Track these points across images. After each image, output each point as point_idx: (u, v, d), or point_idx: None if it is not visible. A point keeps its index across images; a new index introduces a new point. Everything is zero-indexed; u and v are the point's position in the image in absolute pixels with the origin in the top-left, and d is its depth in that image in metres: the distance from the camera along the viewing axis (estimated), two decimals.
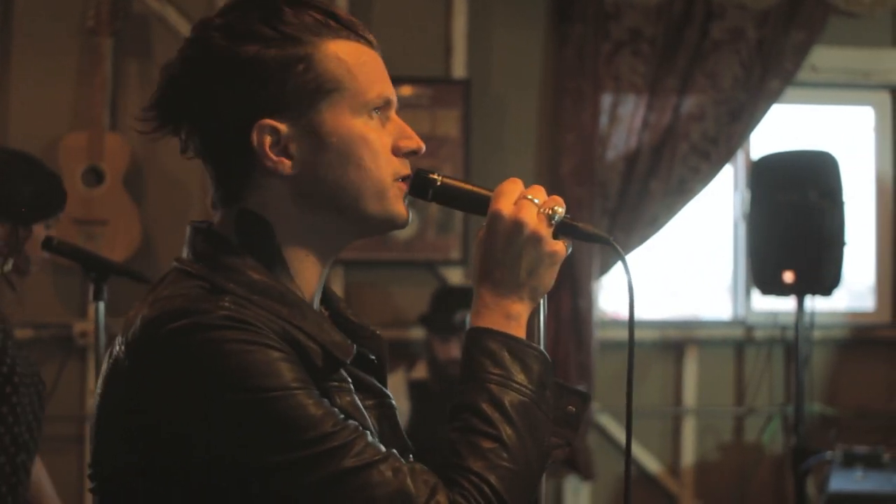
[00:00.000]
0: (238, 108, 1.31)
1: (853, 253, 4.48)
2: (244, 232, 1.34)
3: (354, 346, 1.34)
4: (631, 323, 1.36)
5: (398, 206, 1.37)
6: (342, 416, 1.25)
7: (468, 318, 1.37)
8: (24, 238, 2.48)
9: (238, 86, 1.30)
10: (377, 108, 1.35)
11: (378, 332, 1.47)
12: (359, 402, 1.33)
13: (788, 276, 4.21)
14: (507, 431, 1.28)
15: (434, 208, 4.33)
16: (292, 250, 1.36)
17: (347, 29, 1.35)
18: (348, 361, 1.32)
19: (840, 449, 3.95)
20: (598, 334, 4.45)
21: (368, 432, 1.26)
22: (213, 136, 1.34)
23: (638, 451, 4.59)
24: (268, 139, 1.31)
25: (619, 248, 1.37)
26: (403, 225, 1.39)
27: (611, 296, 4.66)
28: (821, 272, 4.20)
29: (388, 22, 4.45)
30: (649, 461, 4.63)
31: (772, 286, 4.30)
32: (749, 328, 4.70)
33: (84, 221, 4.09)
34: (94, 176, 4.14)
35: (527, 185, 1.37)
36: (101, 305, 2.64)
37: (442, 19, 4.48)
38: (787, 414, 4.64)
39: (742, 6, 4.47)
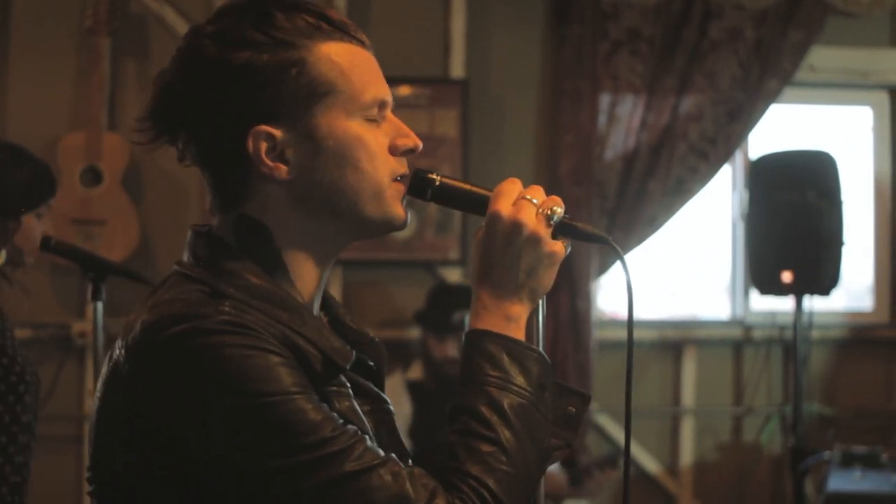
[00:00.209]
0: (233, 115, 1.30)
1: (851, 253, 4.48)
2: (243, 237, 1.34)
3: (353, 352, 1.34)
4: (630, 323, 1.36)
5: (396, 207, 1.37)
6: (341, 420, 1.25)
7: (466, 319, 1.37)
8: (13, 229, 2.47)
9: (232, 93, 1.30)
10: (372, 109, 1.35)
11: (377, 339, 1.47)
12: (357, 408, 1.33)
13: (787, 276, 4.21)
14: (505, 435, 1.28)
15: (433, 208, 4.33)
16: (291, 254, 1.35)
17: (340, 31, 1.35)
18: (347, 367, 1.32)
19: (838, 449, 3.95)
20: (597, 334, 4.45)
21: (367, 437, 1.26)
22: (208, 144, 1.34)
23: (636, 451, 4.59)
24: (263, 145, 1.31)
25: (617, 248, 1.37)
26: (402, 226, 1.39)
27: (609, 296, 4.66)
28: (819, 272, 4.20)
29: (386, 21, 4.45)
30: (648, 461, 4.63)
31: (770, 286, 4.30)
32: (747, 328, 4.70)
33: (82, 221, 4.09)
34: (93, 176, 4.14)
35: (525, 185, 1.37)
36: (100, 305, 2.64)
37: (440, 19, 4.48)
38: (786, 414, 4.64)
39: (740, 6, 4.47)
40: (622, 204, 4.46)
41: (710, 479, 4.68)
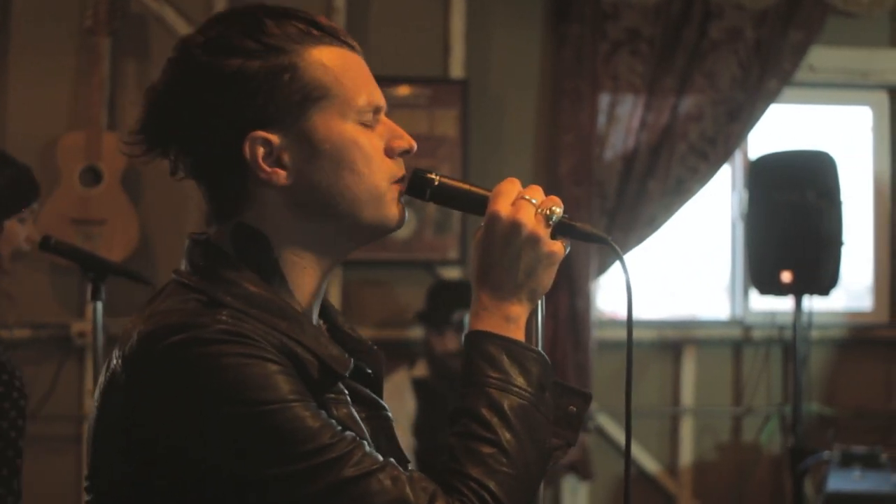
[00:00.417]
0: (227, 123, 1.30)
1: (851, 253, 4.48)
2: (241, 246, 1.34)
3: (352, 359, 1.34)
4: (629, 323, 1.36)
5: (393, 209, 1.37)
6: (339, 427, 1.25)
7: (466, 319, 1.37)
8: None
9: (226, 100, 1.30)
10: (367, 114, 1.35)
11: (375, 346, 1.47)
12: (355, 414, 1.33)
13: (786, 276, 4.21)
14: (506, 436, 1.28)
15: (432, 208, 4.33)
16: (290, 261, 1.35)
17: (330, 35, 1.35)
18: (346, 375, 1.32)
19: (838, 449, 3.95)
20: (596, 334, 4.45)
21: (366, 442, 1.26)
22: (203, 154, 1.34)
23: (636, 451, 4.59)
24: (260, 151, 1.31)
25: (617, 247, 1.36)
26: (399, 226, 1.39)
27: (609, 296, 4.66)
28: (819, 272, 4.20)
29: (386, 22, 4.45)
30: (647, 461, 4.63)
31: (770, 286, 4.30)
32: (747, 328, 4.70)
33: (82, 221, 4.09)
34: (92, 175, 4.14)
35: (525, 185, 1.37)
36: (99, 305, 2.64)
37: (440, 19, 4.48)
38: (785, 414, 4.64)
39: (740, 6, 4.47)
40: (622, 204, 4.46)
41: (709, 478, 4.68)
